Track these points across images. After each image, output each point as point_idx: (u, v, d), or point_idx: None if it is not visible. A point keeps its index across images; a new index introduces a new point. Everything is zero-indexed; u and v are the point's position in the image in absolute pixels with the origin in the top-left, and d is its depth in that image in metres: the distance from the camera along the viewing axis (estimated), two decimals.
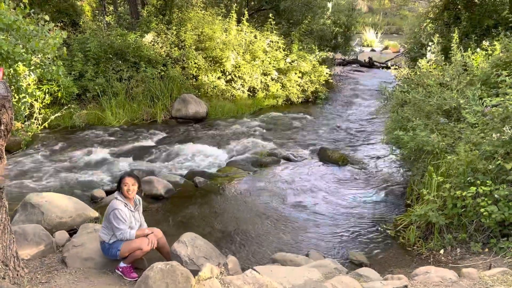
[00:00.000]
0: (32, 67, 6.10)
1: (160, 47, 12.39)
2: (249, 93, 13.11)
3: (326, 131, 10.85)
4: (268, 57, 13.33)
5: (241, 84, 12.93)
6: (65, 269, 4.13)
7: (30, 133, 8.83)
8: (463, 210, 4.78)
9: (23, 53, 5.22)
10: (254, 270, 3.72)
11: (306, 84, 13.62)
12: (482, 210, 4.45)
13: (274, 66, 13.32)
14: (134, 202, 4.33)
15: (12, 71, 5.92)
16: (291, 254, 4.91)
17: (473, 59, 7.04)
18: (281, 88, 13.37)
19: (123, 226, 4.07)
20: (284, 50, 13.69)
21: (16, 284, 3.58)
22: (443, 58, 7.45)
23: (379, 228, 5.88)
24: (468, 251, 4.64)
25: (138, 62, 11.60)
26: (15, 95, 6.90)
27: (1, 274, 3.46)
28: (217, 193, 7.02)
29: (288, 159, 8.68)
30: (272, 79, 13.35)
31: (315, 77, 13.71)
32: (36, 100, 9.25)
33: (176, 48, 12.46)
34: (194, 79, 12.49)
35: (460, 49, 7.06)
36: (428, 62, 7.64)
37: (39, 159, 8.30)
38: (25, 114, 8.25)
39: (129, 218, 4.16)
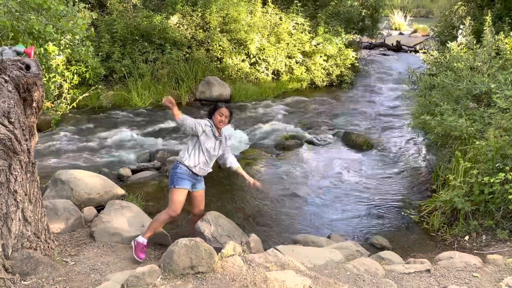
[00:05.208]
0: (62, 47, 6.22)
1: (185, 29, 12.40)
2: (273, 76, 13.03)
3: (350, 115, 10.72)
4: (293, 40, 13.17)
5: (265, 67, 12.85)
6: (93, 243, 4.27)
7: (59, 112, 9.05)
8: (490, 196, 4.68)
9: (53, 33, 5.33)
10: (276, 249, 3.76)
11: (331, 67, 13.42)
12: (510, 197, 4.36)
13: (299, 49, 13.16)
14: (220, 132, 4.43)
15: (42, 51, 6.07)
16: (313, 236, 4.94)
17: (506, 43, 6.78)
18: (305, 72, 13.21)
19: (191, 121, 4.16)
20: (309, 33, 13.49)
21: (47, 255, 3.73)
22: (474, 41, 7.21)
23: (402, 213, 5.83)
24: (494, 238, 4.57)
25: (163, 44, 11.66)
26: (46, 74, 7.07)
27: (33, 245, 3.60)
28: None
29: (311, 143, 8.65)
30: (297, 62, 13.21)
31: (340, 60, 13.48)
32: (65, 80, 9.46)
33: (201, 30, 12.45)
34: (218, 62, 12.49)
35: (493, 32, 6.81)
36: (459, 45, 7.41)
37: (68, 138, 8.52)
38: (55, 93, 8.45)
39: (210, 142, 4.29)
